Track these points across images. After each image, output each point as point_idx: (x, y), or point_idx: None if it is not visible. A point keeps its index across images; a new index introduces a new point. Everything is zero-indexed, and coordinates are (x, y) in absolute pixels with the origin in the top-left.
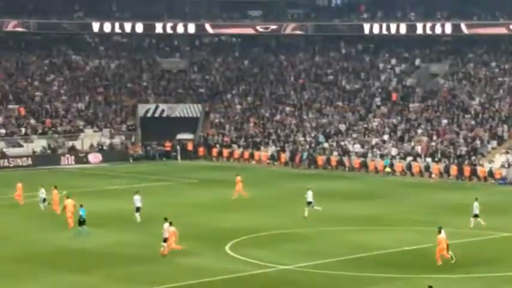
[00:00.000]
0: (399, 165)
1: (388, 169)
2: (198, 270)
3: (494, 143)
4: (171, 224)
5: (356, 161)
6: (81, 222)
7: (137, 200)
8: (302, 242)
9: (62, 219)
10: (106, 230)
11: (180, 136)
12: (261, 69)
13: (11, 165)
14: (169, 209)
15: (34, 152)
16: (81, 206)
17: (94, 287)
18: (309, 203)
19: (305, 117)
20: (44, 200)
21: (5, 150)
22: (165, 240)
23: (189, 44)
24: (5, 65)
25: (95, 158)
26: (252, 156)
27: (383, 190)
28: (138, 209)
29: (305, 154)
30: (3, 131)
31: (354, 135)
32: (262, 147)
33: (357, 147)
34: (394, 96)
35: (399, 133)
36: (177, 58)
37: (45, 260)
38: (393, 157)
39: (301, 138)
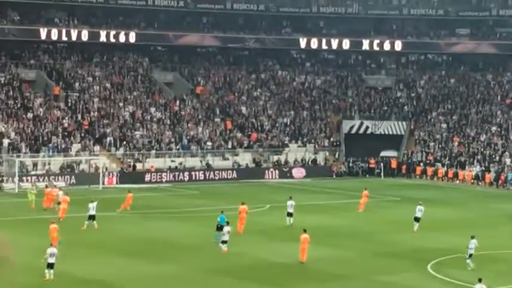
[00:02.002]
0: None
1: None
2: None
3: None
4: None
5: None
6: (219, 228)
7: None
8: (507, 263)
9: (265, 232)
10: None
11: (384, 153)
12: (467, 88)
13: (216, 177)
14: (370, 226)
15: (239, 166)
16: (222, 212)
17: None
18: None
19: None
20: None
21: (210, 162)
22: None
23: (395, 61)
24: (213, 79)
25: (298, 172)
26: (456, 175)
27: None
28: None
29: (510, 175)
30: (209, 143)
31: None
32: (466, 167)
33: None
34: None
35: None
36: (383, 75)
37: (245, 273)
38: None
39: (508, 159)
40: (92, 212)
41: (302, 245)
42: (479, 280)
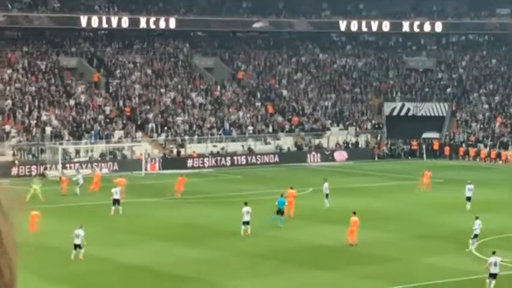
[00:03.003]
0: None
1: None
2: (442, 269)
3: None
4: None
5: None
6: (278, 211)
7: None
8: None
9: (308, 216)
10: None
11: (425, 135)
12: (509, 68)
13: (258, 162)
14: (414, 208)
15: (281, 150)
16: (282, 195)
17: (336, 283)
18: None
19: None
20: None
21: (252, 147)
22: (243, 224)
23: (436, 42)
24: (253, 63)
25: (340, 156)
26: (499, 156)
27: None
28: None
29: None
30: (251, 127)
31: None
32: (509, 147)
33: None
34: None
35: None
36: (424, 57)
37: (289, 256)
38: None
39: None
40: (116, 197)
41: (351, 228)
42: (493, 253)
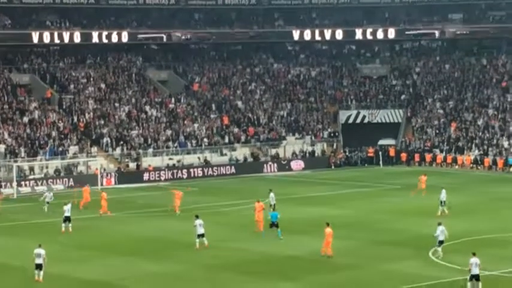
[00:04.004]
0: None
1: None
2: (402, 276)
3: None
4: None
5: None
6: (272, 225)
7: (66, 210)
8: (508, 247)
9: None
10: (310, 236)
11: (381, 142)
12: (462, 72)
13: (215, 173)
14: (372, 215)
15: (237, 161)
16: (274, 210)
17: None
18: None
19: (509, 120)
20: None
21: (208, 159)
22: (199, 236)
23: (389, 49)
24: (207, 75)
25: (297, 165)
26: (455, 160)
27: None
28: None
29: (510, 159)
30: (206, 139)
31: None
32: (465, 152)
33: None
34: None
35: None
36: (378, 64)
37: (252, 267)
38: None
39: (505, 142)
40: (67, 214)
41: (327, 239)
42: (474, 254)
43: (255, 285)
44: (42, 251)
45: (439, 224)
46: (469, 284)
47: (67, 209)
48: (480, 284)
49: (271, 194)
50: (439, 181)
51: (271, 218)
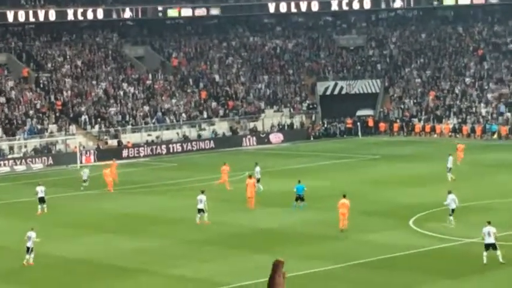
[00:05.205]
0: None
1: None
2: (382, 246)
3: None
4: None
5: None
6: (298, 198)
7: (40, 191)
8: (488, 214)
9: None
10: (289, 209)
11: (360, 112)
12: (439, 41)
13: (194, 148)
14: (351, 186)
15: (216, 135)
16: (299, 182)
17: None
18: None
19: (486, 87)
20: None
21: (187, 134)
22: (199, 211)
23: (366, 19)
24: (184, 50)
25: (276, 138)
26: (433, 129)
27: None
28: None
29: (488, 126)
30: (185, 115)
31: None
32: (443, 120)
33: None
34: None
35: None
36: (354, 35)
37: (232, 241)
38: None
39: (483, 110)
40: (41, 195)
41: (341, 211)
42: (488, 222)
43: (233, 258)
44: (33, 234)
45: (449, 192)
46: (484, 253)
47: (40, 190)
48: (499, 252)
49: (257, 168)
50: (418, 150)
51: (296, 190)
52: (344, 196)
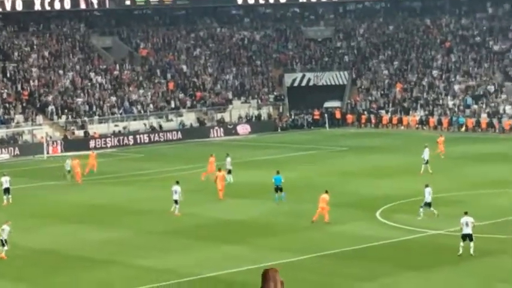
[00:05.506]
0: None
1: None
2: (350, 237)
3: None
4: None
5: (506, 123)
6: (277, 189)
7: (4, 181)
8: (454, 206)
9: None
10: (258, 200)
11: (327, 104)
12: (407, 33)
13: (161, 139)
14: (319, 178)
15: (184, 126)
16: (278, 172)
17: (248, 256)
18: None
19: (453, 80)
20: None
21: (154, 124)
22: (175, 202)
23: (333, 11)
24: (152, 40)
25: (243, 129)
26: (400, 121)
27: None
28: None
29: (455, 118)
30: (152, 105)
31: (503, 96)
32: (410, 112)
33: (508, 109)
34: None
35: None
36: (322, 26)
37: (200, 232)
38: None
39: (450, 102)
40: (6, 186)
41: (321, 205)
42: (465, 213)
43: (201, 250)
44: (7, 228)
45: (427, 185)
46: (461, 243)
47: (5, 181)
48: (472, 244)
49: (228, 159)
50: (385, 142)
51: (275, 181)
52: (326, 192)
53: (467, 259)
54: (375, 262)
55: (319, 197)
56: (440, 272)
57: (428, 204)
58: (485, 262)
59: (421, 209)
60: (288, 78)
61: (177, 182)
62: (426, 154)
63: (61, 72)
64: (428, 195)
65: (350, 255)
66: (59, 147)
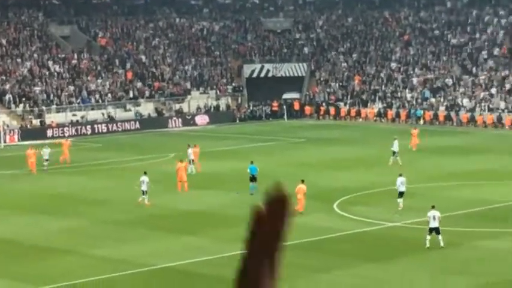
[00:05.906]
0: (508, 118)
1: None
2: (307, 228)
3: None
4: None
5: (464, 116)
6: (252, 178)
7: None
8: (411, 198)
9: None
10: (214, 191)
11: (286, 95)
12: (366, 26)
13: (119, 129)
14: (277, 169)
15: (141, 116)
16: (252, 162)
17: (204, 248)
18: None
19: (411, 72)
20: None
21: (112, 114)
22: (143, 193)
23: (293, 3)
24: (110, 30)
25: (201, 120)
26: (358, 113)
27: (492, 144)
28: None
29: (413, 110)
30: (110, 95)
31: (461, 89)
32: (368, 104)
33: (465, 102)
34: (503, 49)
35: (508, 86)
36: (281, 18)
37: (159, 222)
38: (502, 110)
39: (408, 94)
40: None
41: (299, 196)
42: (433, 207)
43: (160, 240)
44: None
45: (400, 175)
46: (428, 237)
47: None
48: (441, 237)
49: (190, 150)
50: (344, 134)
51: (250, 171)
52: (302, 181)
53: (423, 251)
54: (333, 254)
55: (296, 187)
56: (397, 263)
57: (401, 194)
58: (441, 254)
59: (399, 200)
60: (246, 69)
61: (145, 173)
62: (395, 146)
63: (19, 60)
64: (401, 185)
65: (307, 246)
66: (16, 136)
